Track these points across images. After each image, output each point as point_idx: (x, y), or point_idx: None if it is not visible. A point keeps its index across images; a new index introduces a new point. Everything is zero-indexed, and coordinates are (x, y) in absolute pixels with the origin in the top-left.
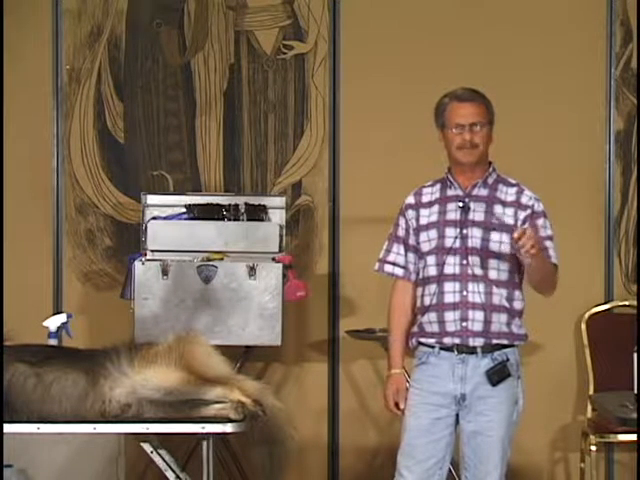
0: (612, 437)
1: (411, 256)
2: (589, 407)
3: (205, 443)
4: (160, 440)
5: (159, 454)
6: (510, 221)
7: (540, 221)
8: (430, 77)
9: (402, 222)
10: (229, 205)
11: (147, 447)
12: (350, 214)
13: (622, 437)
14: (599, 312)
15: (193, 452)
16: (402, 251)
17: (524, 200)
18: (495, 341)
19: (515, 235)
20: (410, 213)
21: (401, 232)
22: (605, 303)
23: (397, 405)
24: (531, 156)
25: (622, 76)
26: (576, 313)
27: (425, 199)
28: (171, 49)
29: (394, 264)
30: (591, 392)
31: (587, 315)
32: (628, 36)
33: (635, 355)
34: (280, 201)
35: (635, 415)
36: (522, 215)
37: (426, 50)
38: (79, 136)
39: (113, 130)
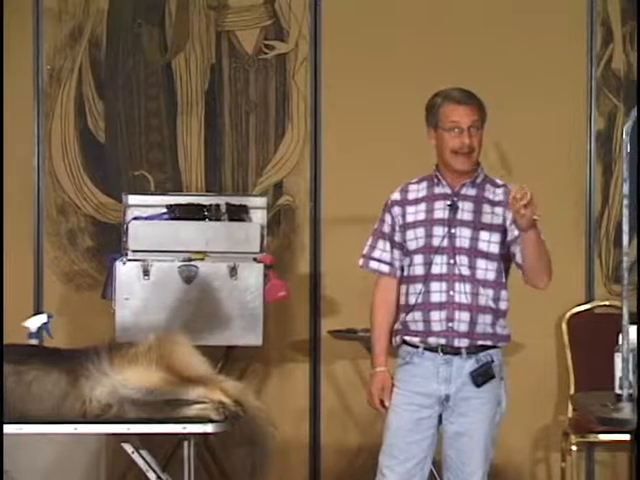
0: (593, 437)
1: (396, 253)
2: (570, 407)
3: (186, 443)
4: (141, 440)
5: (140, 454)
6: (499, 221)
7: None
8: (412, 77)
9: (388, 218)
10: (210, 205)
11: (128, 447)
12: (331, 214)
13: (603, 437)
14: (580, 312)
15: (174, 452)
16: (388, 248)
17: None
18: (480, 342)
19: (515, 192)
20: (396, 210)
21: (387, 228)
22: (586, 303)
23: (382, 403)
24: (512, 156)
25: (603, 76)
26: (557, 313)
27: (411, 196)
28: (152, 49)
29: (379, 261)
30: (572, 392)
31: (568, 315)
32: (609, 36)
33: (616, 355)
34: (261, 201)
35: (616, 415)
36: (510, 214)
37: (407, 50)
38: (60, 136)
39: (94, 130)
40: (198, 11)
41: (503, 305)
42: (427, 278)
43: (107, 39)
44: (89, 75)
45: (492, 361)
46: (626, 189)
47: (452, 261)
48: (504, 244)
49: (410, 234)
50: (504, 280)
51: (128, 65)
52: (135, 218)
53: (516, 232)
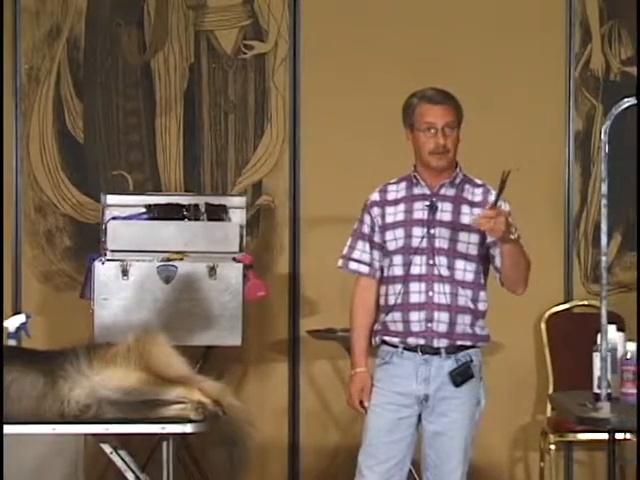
0: (571, 436)
1: (376, 254)
2: (549, 406)
3: (165, 443)
4: (120, 441)
5: (119, 455)
6: None
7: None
8: (392, 77)
9: (367, 219)
10: (189, 205)
11: (107, 448)
12: (310, 214)
13: (581, 436)
14: (559, 312)
15: (153, 453)
16: (367, 248)
17: (491, 200)
18: (459, 342)
19: (488, 213)
20: (375, 210)
21: (366, 229)
22: (565, 303)
23: (361, 403)
24: (490, 156)
25: (581, 76)
26: (536, 313)
27: (390, 197)
28: (131, 48)
29: (359, 261)
30: (550, 391)
31: (547, 315)
32: (587, 37)
33: (595, 354)
34: (240, 201)
35: (594, 414)
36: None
37: (387, 50)
38: (38, 136)
39: (72, 130)
40: (177, 11)
41: (482, 306)
42: (406, 279)
43: (85, 38)
44: (67, 74)
45: (471, 361)
46: (604, 189)
47: (431, 262)
48: (483, 245)
49: (389, 235)
50: (483, 281)
51: (107, 65)
52: (114, 218)
53: None
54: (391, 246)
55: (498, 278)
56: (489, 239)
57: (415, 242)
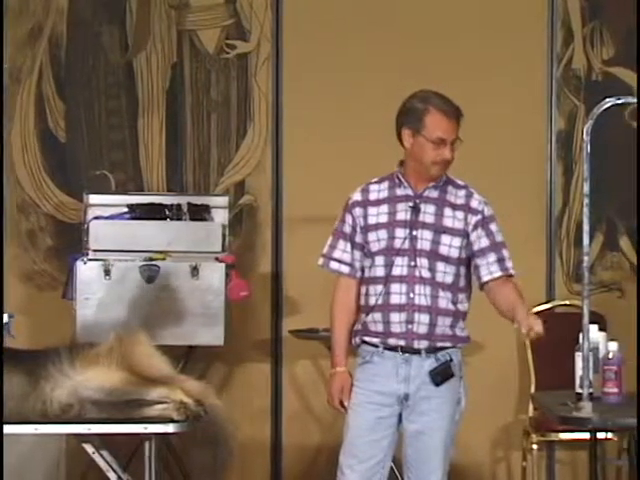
0: (553, 436)
1: (357, 254)
2: (531, 406)
3: (147, 443)
4: (103, 441)
5: (101, 455)
6: (460, 225)
7: (492, 226)
8: (374, 76)
9: (349, 219)
10: (172, 205)
11: (89, 448)
12: (293, 214)
13: (563, 436)
14: (541, 311)
15: (135, 452)
16: (348, 248)
17: (474, 204)
18: (439, 344)
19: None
20: (357, 211)
21: (347, 229)
22: (547, 302)
23: (342, 403)
24: (472, 156)
25: (563, 76)
26: None
27: (372, 197)
28: (113, 48)
29: (340, 261)
30: (533, 391)
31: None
32: (569, 37)
33: (577, 354)
34: (223, 201)
35: (576, 414)
36: (473, 220)
37: (369, 50)
38: (20, 135)
39: (54, 129)
40: (159, 10)
41: (462, 307)
42: (388, 280)
43: (67, 38)
44: (49, 74)
45: (451, 360)
46: (587, 189)
47: (413, 263)
48: (465, 248)
49: (372, 236)
50: (463, 283)
51: (89, 64)
52: (96, 218)
53: (482, 245)
54: (374, 247)
55: (478, 285)
56: (475, 247)
57: (397, 243)
